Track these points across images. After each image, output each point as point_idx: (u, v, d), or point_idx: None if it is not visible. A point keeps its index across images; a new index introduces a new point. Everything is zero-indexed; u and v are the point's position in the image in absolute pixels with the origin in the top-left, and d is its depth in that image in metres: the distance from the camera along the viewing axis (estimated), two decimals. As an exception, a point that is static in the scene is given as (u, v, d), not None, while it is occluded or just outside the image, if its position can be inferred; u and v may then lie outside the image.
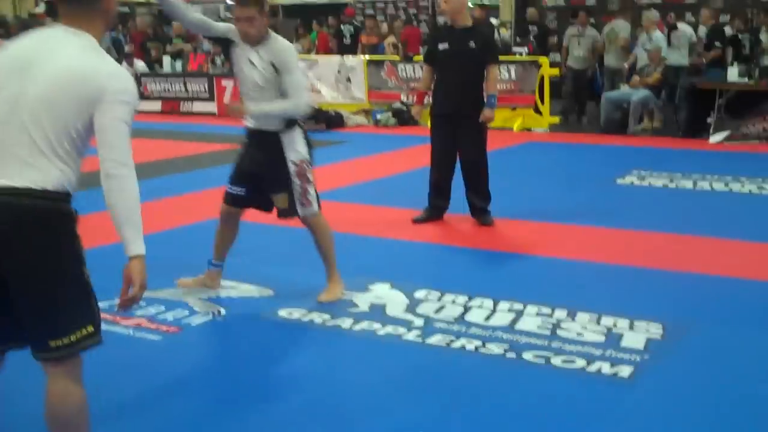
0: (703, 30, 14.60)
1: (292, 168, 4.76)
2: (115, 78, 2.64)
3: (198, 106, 16.15)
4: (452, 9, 6.86)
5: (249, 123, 4.86)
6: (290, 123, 4.75)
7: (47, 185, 2.54)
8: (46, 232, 2.55)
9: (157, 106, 16.69)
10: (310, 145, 4.87)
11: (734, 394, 3.68)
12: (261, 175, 4.85)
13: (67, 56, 2.61)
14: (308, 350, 4.26)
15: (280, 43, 4.69)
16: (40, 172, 2.54)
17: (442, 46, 6.88)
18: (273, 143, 4.75)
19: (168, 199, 8.10)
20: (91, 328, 2.65)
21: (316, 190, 4.88)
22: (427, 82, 7.18)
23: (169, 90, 16.63)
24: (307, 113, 4.72)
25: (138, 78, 16.89)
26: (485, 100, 6.87)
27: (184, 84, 16.46)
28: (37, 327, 2.59)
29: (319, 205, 4.92)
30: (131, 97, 2.66)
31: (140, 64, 17.32)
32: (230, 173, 5.01)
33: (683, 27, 13.82)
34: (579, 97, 14.11)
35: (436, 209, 7.05)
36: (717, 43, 13.61)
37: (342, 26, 17.15)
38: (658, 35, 12.94)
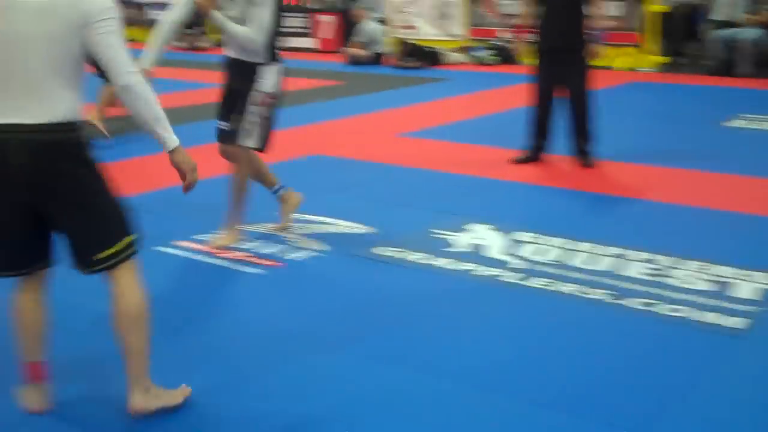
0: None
1: (255, 95, 4.61)
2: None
3: (295, 42, 16.14)
4: None
5: (228, 52, 4.74)
6: (271, 57, 4.63)
7: (58, 118, 2.70)
8: (67, 160, 2.73)
9: (255, 41, 16.75)
10: (279, 87, 4.72)
11: None
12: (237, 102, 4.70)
13: None
14: (402, 288, 4.21)
15: None
16: (50, 107, 2.70)
17: None
18: (250, 72, 4.63)
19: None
20: (130, 239, 2.87)
21: (269, 133, 4.71)
22: (529, 17, 6.98)
23: (267, 25, 16.64)
24: (257, 47, 4.52)
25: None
26: (590, 35, 6.67)
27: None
28: (82, 245, 2.82)
29: (262, 148, 4.74)
30: (115, 12, 2.79)
31: None
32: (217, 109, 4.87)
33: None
34: (676, 36, 13.48)
35: (536, 149, 6.89)
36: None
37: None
38: None
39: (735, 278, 4.23)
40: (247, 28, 4.50)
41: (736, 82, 11.43)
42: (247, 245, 4.78)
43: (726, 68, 11.99)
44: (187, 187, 2.97)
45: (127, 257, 2.86)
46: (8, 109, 2.68)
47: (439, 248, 4.73)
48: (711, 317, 3.77)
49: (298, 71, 13.50)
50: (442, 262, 4.51)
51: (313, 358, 3.43)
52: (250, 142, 4.66)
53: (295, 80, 12.02)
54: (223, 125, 4.78)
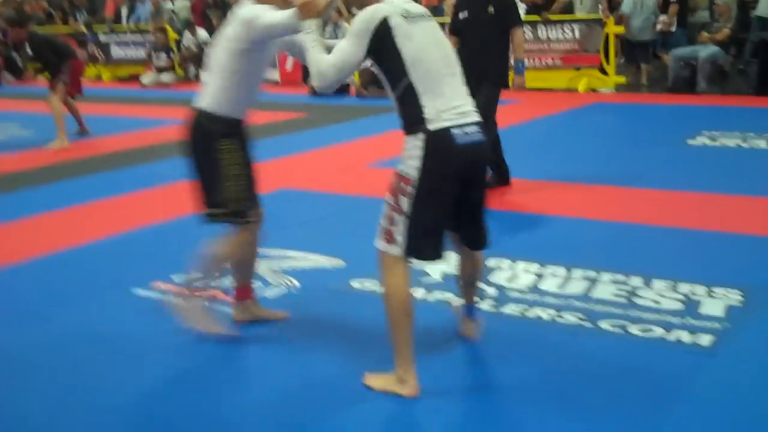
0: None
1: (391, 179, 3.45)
2: None
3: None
4: None
5: None
6: (410, 128, 3.34)
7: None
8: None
9: (219, 75, 16.78)
10: (429, 164, 3.28)
11: (820, 362, 3.60)
12: None
13: None
14: (381, 321, 4.25)
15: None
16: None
17: (462, 14, 6.69)
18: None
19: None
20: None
21: (416, 234, 3.35)
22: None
23: (231, 59, 16.69)
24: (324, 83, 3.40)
25: (201, 47, 17.00)
26: (513, 65, 6.74)
27: (246, 52, 16.50)
28: None
29: (405, 251, 3.36)
30: None
31: (203, 33, 17.42)
32: None
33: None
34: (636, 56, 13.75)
35: (500, 176, 6.93)
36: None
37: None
38: None
39: (701, 296, 4.33)
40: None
41: (696, 100, 11.64)
42: (221, 283, 4.79)
43: (686, 86, 12.22)
44: None
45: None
46: None
47: (417, 278, 4.77)
48: (680, 336, 3.86)
49: (261, 104, 13.56)
50: (420, 293, 4.55)
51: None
52: (387, 246, 3.40)
53: (259, 113, 12.11)
54: None
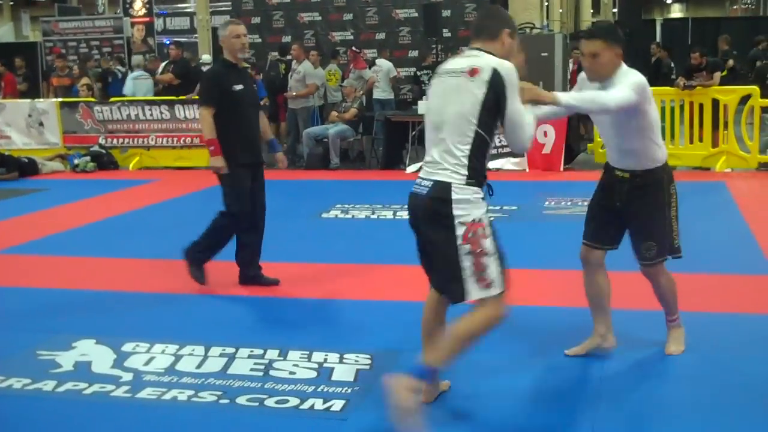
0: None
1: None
2: None
3: None
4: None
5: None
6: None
7: None
8: None
9: None
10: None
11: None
12: None
13: None
14: (7, 420, 3.98)
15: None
16: None
17: (238, 87, 6.04)
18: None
19: None
20: None
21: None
22: (212, 125, 6.05)
23: None
24: None
25: None
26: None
27: None
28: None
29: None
30: None
31: None
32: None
33: (381, 62, 14.74)
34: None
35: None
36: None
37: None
38: (306, 65, 13.66)
39: (333, 363, 4.52)
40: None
41: (330, 175, 12.21)
42: None
43: (320, 162, 12.82)
44: None
45: None
46: None
47: (46, 370, 4.52)
48: (314, 404, 4.01)
49: None
50: (50, 386, 4.31)
51: None
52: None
53: None
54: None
